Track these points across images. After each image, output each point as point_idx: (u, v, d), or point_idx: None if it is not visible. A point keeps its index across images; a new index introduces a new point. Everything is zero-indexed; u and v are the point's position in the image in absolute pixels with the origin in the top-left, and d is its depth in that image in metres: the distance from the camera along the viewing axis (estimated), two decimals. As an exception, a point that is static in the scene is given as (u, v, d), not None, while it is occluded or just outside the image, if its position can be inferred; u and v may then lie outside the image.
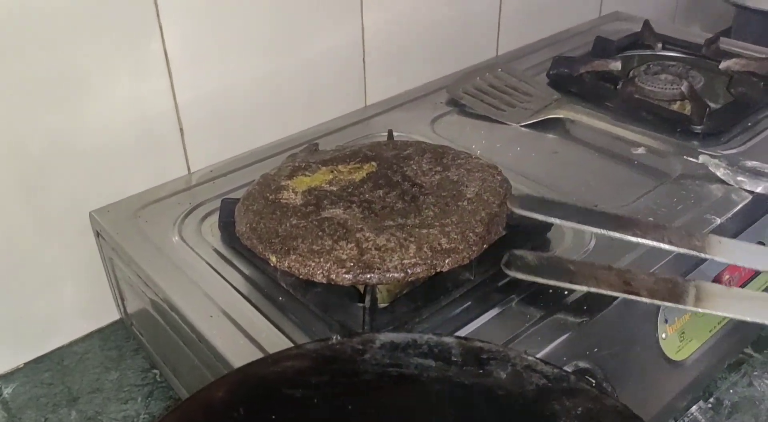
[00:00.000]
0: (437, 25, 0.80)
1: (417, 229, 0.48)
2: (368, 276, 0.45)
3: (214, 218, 0.57)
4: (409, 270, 0.45)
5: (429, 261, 0.45)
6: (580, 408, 0.37)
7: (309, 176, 0.55)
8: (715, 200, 0.57)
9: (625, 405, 0.36)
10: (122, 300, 0.62)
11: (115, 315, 0.67)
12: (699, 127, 0.66)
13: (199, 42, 0.63)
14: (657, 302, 0.44)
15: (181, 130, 0.65)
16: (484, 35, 0.87)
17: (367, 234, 0.47)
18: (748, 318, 0.42)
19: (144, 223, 0.58)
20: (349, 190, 0.53)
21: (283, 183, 0.54)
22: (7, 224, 0.57)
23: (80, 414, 0.59)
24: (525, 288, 0.48)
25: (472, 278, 0.48)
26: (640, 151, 0.64)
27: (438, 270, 0.46)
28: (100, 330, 0.68)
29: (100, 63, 0.57)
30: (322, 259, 0.46)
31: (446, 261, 0.46)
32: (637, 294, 0.43)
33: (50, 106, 0.56)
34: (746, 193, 0.57)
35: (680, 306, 0.43)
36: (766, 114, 0.69)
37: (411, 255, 0.46)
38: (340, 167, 0.56)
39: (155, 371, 0.63)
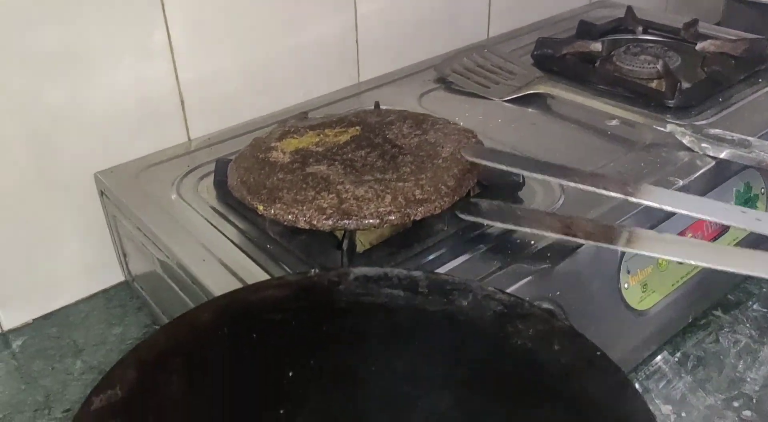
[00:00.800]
0: (430, 9, 0.84)
1: (394, 183, 0.52)
2: (346, 222, 0.49)
3: (211, 179, 0.62)
4: (384, 218, 0.49)
5: (403, 210, 0.49)
6: (531, 330, 0.41)
7: (297, 138, 0.59)
8: (680, 165, 0.60)
9: (571, 325, 0.40)
10: (125, 257, 0.66)
11: (119, 278, 0.72)
12: (671, 101, 0.69)
13: (200, 22, 0.67)
14: (591, 242, 0.48)
15: (182, 102, 0.70)
16: (475, 21, 0.91)
17: (347, 187, 0.51)
18: (672, 258, 0.47)
19: (145, 183, 0.62)
20: (334, 150, 0.57)
21: (272, 144, 0.58)
22: (16, 185, 0.62)
23: (85, 363, 0.64)
24: (494, 239, 0.52)
25: (445, 228, 0.52)
26: (614, 122, 0.68)
27: (411, 218, 0.50)
28: (104, 291, 0.72)
29: (106, 40, 0.62)
30: (304, 207, 0.50)
31: (419, 210, 0.50)
32: (574, 235, 0.48)
33: (59, 76, 0.61)
34: (710, 159, 0.61)
35: (612, 246, 0.47)
36: (737, 90, 0.72)
37: (386, 204, 0.50)
38: (326, 131, 0.60)
39: (156, 326, 0.67)
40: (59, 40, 0.60)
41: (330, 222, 0.49)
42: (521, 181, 0.56)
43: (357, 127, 0.60)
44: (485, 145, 0.58)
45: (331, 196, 0.51)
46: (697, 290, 0.59)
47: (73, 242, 0.67)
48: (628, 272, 0.54)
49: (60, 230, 0.66)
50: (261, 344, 0.42)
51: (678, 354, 0.60)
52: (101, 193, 0.64)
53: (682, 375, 0.58)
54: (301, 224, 0.50)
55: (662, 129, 0.64)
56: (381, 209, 0.49)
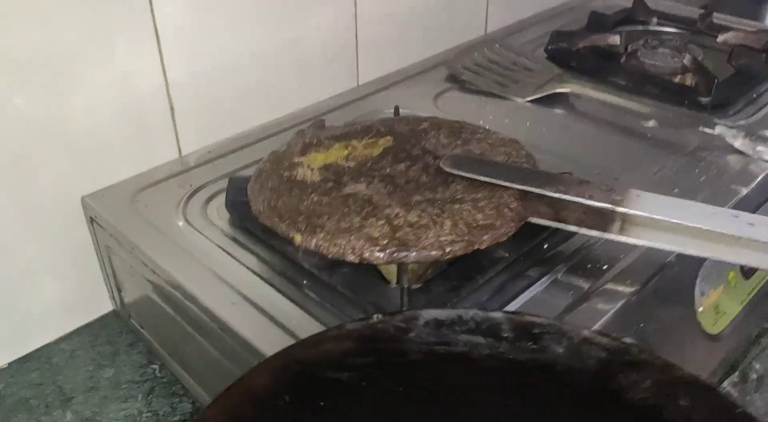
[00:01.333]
0: (426, 3, 0.78)
1: (449, 205, 0.45)
2: (404, 254, 0.42)
3: (219, 200, 0.54)
4: (447, 248, 0.42)
5: (466, 238, 0.43)
6: (648, 381, 0.35)
7: (323, 152, 0.52)
8: (735, 172, 0.56)
9: (697, 375, 0.35)
10: (119, 291, 0.58)
11: (104, 309, 0.63)
12: (706, 99, 0.65)
13: (189, 18, 0.59)
14: (583, 231, 0.45)
15: (172, 109, 0.61)
16: (473, 11, 0.85)
17: (397, 210, 0.45)
18: (669, 248, 0.43)
19: (144, 208, 0.54)
20: (369, 165, 0.50)
21: (296, 160, 0.51)
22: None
23: (76, 415, 0.55)
24: (563, 262, 0.46)
25: (507, 255, 0.46)
26: (651, 123, 0.63)
27: (476, 247, 0.43)
28: (88, 325, 0.63)
29: (87, 40, 0.53)
30: (352, 237, 0.43)
31: (484, 238, 0.43)
32: (565, 222, 0.45)
33: (33, 85, 0.51)
34: (766, 164, 0.56)
35: (605, 235, 0.44)
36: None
37: (447, 231, 0.43)
38: (354, 142, 0.53)
39: (154, 366, 0.59)
40: (32, 44, 0.50)
41: (384, 255, 0.42)
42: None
43: (388, 137, 0.53)
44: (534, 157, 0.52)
45: (380, 222, 0.44)
46: (761, 304, 0.55)
47: (50, 274, 0.58)
48: (702, 294, 0.49)
49: (37, 260, 0.57)
50: (330, 412, 0.35)
51: (737, 374, 0.56)
52: (91, 220, 0.55)
53: (752, 395, 0.54)
54: (350, 257, 0.43)
55: (709, 131, 0.59)
56: (442, 238, 0.43)
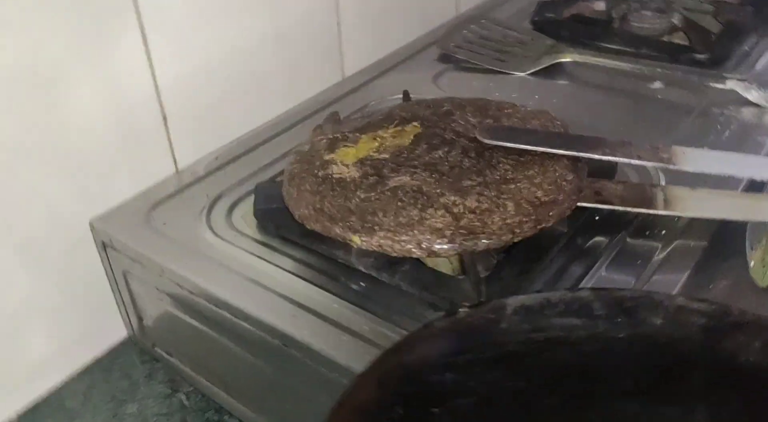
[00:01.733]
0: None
1: (503, 185, 0.43)
2: (473, 242, 0.40)
3: (243, 208, 0.51)
4: (516, 230, 0.41)
5: (533, 217, 0.41)
6: (757, 342, 0.35)
7: (352, 147, 0.49)
8: (756, 124, 0.56)
9: (810, 330, 0.34)
10: (139, 319, 0.53)
11: (113, 341, 0.58)
12: (704, 55, 0.65)
13: (177, 13, 0.55)
14: (629, 209, 0.44)
15: (165, 118, 0.57)
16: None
17: (453, 198, 0.42)
18: (715, 216, 0.44)
19: (162, 226, 0.50)
20: (405, 155, 0.47)
21: (326, 157, 0.48)
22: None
23: (109, 459, 0.51)
24: (623, 229, 0.45)
25: (565, 230, 0.45)
26: (657, 85, 0.63)
27: (543, 225, 0.41)
28: (98, 361, 0.58)
29: (72, 51, 0.48)
30: (415, 231, 0.40)
31: (551, 214, 0.42)
32: (611, 203, 0.44)
33: (19, 106, 0.46)
34: (782, 112, 0.57)
35: (652, 212, 0.43)
36: (758, 37, 0.69)
37: (512, 213, 0.41)
38: (380, 133, 0.50)
39: (180, 395, 0.55)
40: (14, 59, 0.46)
41: (453, 246, 0.40)
42: (614, 166, 0.50)
43: (414, 124, 0.51)
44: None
45: (439, 212, 0.41)
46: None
47: (54, 308, 0.53)
48: (751, 248, 0.49)
49: (38, 296, 0.52)
50: (448, 417, 0.33)
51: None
52: (103, 246, 0.51)
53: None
54: (417, 253, 0.40)
55: (720, 86, 0.59)
56: (509, 220, 0.41)
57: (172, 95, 0.56)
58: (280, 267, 0.45)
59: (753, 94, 0.58)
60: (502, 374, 0.35)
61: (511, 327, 0.36)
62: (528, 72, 0.67)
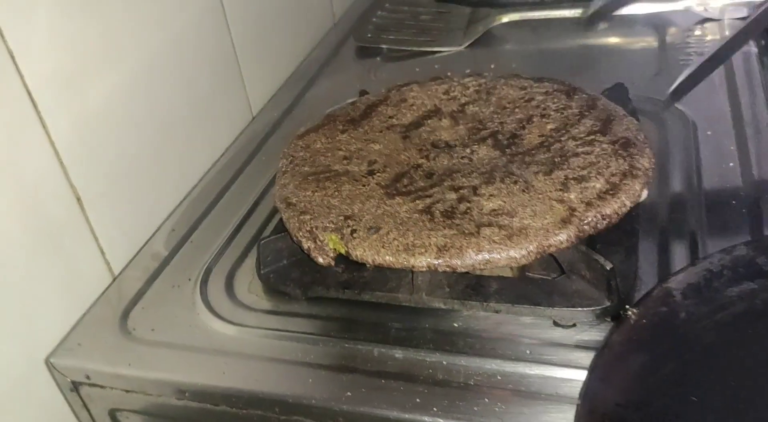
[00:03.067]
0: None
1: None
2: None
3: (241, 279, 0.40)
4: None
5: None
6: None
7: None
8: (722, 36, 0.54)
9: None
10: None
11: None
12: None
13: (60, 72, 0.41)
14: None
15: (78, 199, 0.43)
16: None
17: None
18: None
19: (150, 333, 0.37)
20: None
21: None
22: None
23: None
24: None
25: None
26: (602, 25, 0.59)
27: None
28: None
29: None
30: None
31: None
32: None
33: None
34: (737, 21, 0.55)
35: None
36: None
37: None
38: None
39: None
40: None
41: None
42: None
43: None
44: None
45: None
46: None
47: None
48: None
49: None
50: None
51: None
52: (74, 387, 0.37)
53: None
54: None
55: (674, 7, 0.57)
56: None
57: (79, 171, 0.43)
58: (325, 335, 0.35)
59: (709, 11, 0.55)
60: (715, 376, 0.28)
61: (691, 316, 0.29)
62: (464, 45, 0.60)
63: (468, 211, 0.34)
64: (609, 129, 0.39)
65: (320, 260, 0.35)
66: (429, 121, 0.43)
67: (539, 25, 0.61)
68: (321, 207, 0.36)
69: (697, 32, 0.55)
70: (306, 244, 0.35)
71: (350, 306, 0.36)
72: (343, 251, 0.34)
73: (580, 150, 0.38)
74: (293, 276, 0.37)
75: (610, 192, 0.34)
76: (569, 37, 0.59)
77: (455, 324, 0.34)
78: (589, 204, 0.34)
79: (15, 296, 0.37)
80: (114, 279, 0.42)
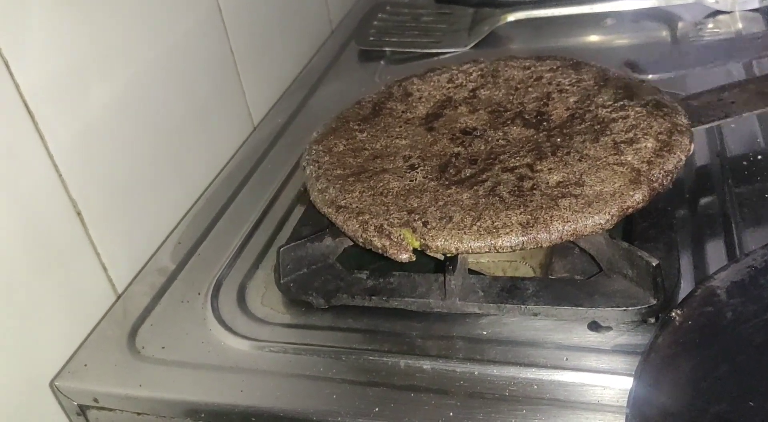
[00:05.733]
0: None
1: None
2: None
3: (253, 292, 0.38)
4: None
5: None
6: None
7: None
8: (734, 29, 0.53)
9: None
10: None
11: None
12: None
13: (56, 81, 0.40)
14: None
15: (79, 214, 0.41)
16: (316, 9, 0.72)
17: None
18: None
19: (160, 351, 0.35)
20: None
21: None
22: None
23: None
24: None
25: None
26: (610, 21, 0.58)
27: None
28: None
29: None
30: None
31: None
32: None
33: None
34: (748, 12, 0.54)
35: None
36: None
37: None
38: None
39: None
40: None
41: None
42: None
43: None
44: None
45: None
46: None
47: None
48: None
49: None
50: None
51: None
52: (81, 411, 0.35)
53: None
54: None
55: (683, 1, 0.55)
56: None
57: (78, 184, 0.41)
58: (347, 348, 0.33)
59: (720, 3, 0.54)
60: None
61: (739, 315, 0.28)
62: (469, 46, 0.59)
63: (535, 187, 0.33)
64: (633, 94, 0.39)
65: (402, 256, 0.33)
66: (446, 111, 0.42)
67: (544, 23, 0.60)
68: (375, 205, 0.35)
69: (710, 25, 0.54)
70: (379, 243, 0.33)
71: (371, 317, 0.34)
72: (417, 245, 0.32)
73: (615, 115, 0.37)
74: (315, 285, 0.35)
75: (665, 149, 0.34)
76: (577, 34, 0.58)
77: (484, 332, 0.33)
78: (650, 162, 0.33)
79: (15, 316, 0.35)
80: (118, 297, 0.40)
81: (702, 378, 0.26)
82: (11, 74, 0.36)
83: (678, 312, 0.28)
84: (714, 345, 0.27)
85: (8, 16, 0.35)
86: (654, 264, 0.30)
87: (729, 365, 0.26)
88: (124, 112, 0.44)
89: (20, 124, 0.36)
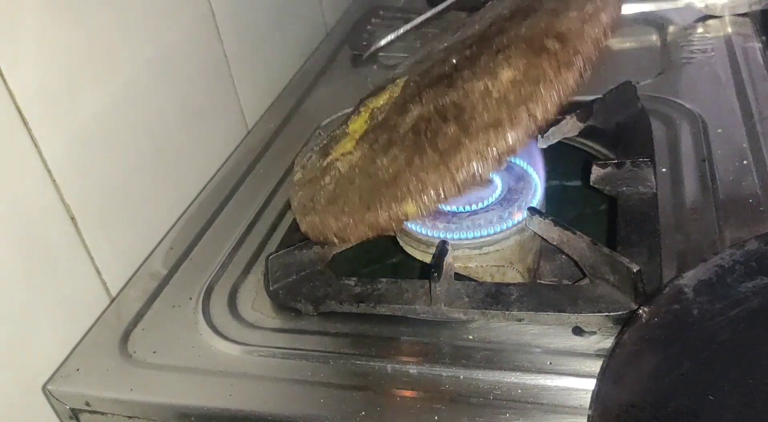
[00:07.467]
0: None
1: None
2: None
3: (244, 296, 0.38)
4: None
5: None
6: None
7: (345, 137, 0.39)
8: (729, 32, 0.53)
9: None
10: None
11: None
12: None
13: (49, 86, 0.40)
14: None
15: (72, 218, 0.42)
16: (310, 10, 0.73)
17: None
18: None
19: (152, 355, 0.35)
20: (403, 96, 0.38)
21: (325, 163, 0.37)
22: None
23: None
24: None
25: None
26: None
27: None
28: None
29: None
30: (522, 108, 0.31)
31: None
32: None
33: None
34: (738, 17, 0.54)
35: None
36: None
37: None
38: (367, 104, 0.40)
39: None
40: None
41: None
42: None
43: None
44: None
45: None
46: None
47: None
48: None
49: None
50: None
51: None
52: (73, 415, 0.35)
53: None
54: (531, 127, 0.31)
55: (669, 5, 0.56)
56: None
57: (73, 190, 0.41)
58: (335, 353, 0.33)
59: (709, 6, 0.54)
60: (732, 374, 0.26)
61: (704, 313, 0.28)
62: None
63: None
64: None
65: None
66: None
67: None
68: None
69: (700, 30, 0.54)
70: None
71: (360, 322, 0.35)
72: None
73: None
74: (304, 292, 0.36)
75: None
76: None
77: (470, 337, 0.33)
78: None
79: (8, 320, 0.35)
80: (112, 301, 0.41)
81: (665, 373, 0.26)
82: (5, 81, 0.36)
83: (645, 309, 0.28)
84: (679, 341, 0.27)
85: (1, 24, 0.36)
86: (635, 270, 0.30)
87: (692, 361, 0.27)
88: (118, 116, 0.45)
89: (14, 129, 0.37)
